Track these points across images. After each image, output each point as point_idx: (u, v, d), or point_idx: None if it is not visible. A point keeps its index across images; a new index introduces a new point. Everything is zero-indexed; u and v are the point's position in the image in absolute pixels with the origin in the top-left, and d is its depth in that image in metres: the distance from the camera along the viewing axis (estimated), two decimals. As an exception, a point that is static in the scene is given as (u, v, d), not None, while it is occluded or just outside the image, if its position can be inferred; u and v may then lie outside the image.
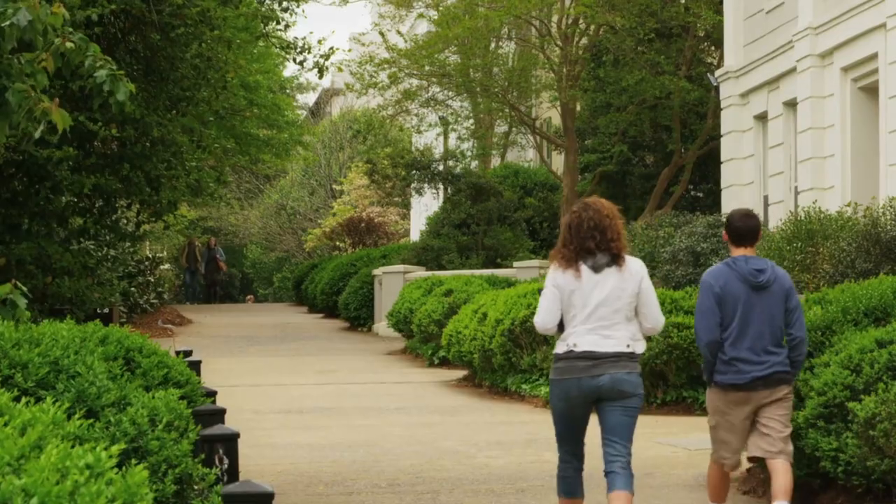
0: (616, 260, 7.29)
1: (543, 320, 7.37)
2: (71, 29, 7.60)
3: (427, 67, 29.50)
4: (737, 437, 7.84)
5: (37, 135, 7.38)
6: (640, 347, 7.30)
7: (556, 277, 7.36)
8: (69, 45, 7.36)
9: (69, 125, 7.39)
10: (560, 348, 7.36)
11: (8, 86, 7.20)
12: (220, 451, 7.45)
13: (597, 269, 7.28)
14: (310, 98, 61.90)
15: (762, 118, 22.96)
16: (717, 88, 24.95)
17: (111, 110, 7.82)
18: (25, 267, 15.10)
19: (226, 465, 7.42)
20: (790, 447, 7.81)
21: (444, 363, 20.51)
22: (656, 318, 7.34)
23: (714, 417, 7.91)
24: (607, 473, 7.26)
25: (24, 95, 7.18)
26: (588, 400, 7.27)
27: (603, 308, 7.25)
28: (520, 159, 38.31)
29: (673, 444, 12.02)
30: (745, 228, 7.91)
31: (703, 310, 7.80)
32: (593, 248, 7.28)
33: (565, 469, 7.51)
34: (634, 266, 7.35)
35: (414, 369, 20.79)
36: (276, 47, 24.57)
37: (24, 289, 7.33)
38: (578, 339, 7.25)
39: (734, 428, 7.83)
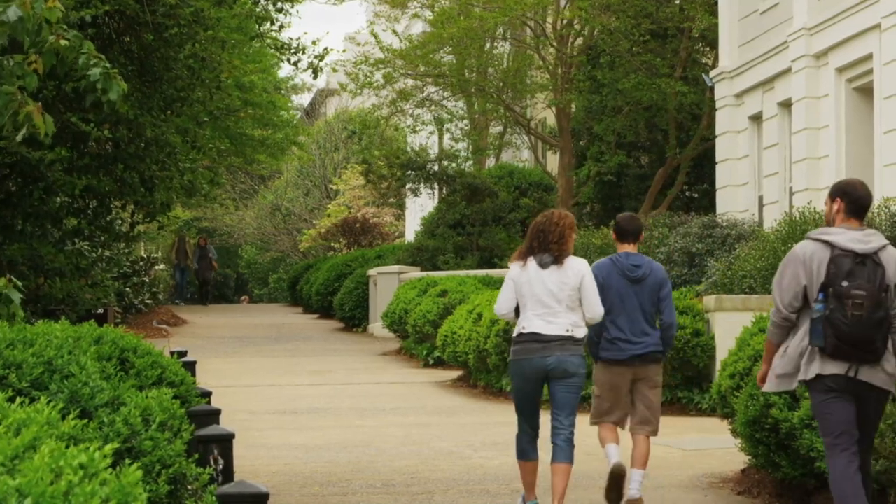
0: (557, 259, 8.64)
1: (499, 307, 8.92)
2: (65, 27, 7.55)
3: (422, 68, 29.46)
4: (618, 402, 9.24)
5: (19, 138, 7.33)
6: (579, 333, 8.67)
7: (512, 271, 8.82)
8: (63, 42, 7.31)
9: (52, 131, 7.34)
10: (515, 332, 8.82)
11: None
12: (216, 452, 7.44)
13: (543, 265, 8.68)
14: (304, 99, 61.90)
15: (757, 119, 22.96)
16: (712, 89, 24.95)
17: (104, 109, 7.80)
18: (17, 268, 15.05)
19: (221, 466, 7.41)
20: (656, 425, 9.26)
21: (439, 364, 20.49)
22: (594, 310, 8.70)
23: (599, 388, 9.34)
24: (553, 444, 8.69)
25: (10, 98, 7.12)
26: (539, 376, 8.67)
27: (547, 298, 8.63)
28: (515, 159, 38.28)
29: (668, 445, 12.01)
30: (630, 227, 9.35)
31: None
32: (536, 247, 8.71)
33: (521, 437, 8.84)
34: (576, 265, 8.72)
35: (409, 370, 20.77)
36: (271, 48, 24.49)
37: (19, 283, 7.29)
38: (527, 324, 8.70)
39: (617, 395, 9.22)
